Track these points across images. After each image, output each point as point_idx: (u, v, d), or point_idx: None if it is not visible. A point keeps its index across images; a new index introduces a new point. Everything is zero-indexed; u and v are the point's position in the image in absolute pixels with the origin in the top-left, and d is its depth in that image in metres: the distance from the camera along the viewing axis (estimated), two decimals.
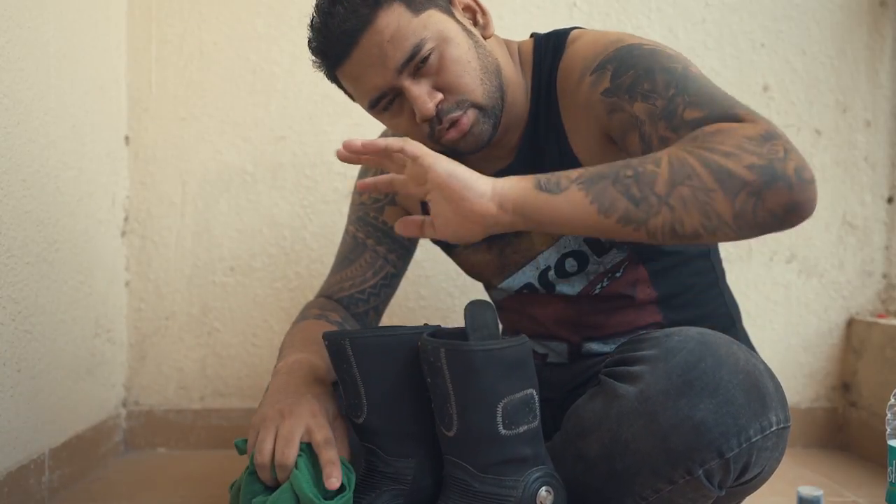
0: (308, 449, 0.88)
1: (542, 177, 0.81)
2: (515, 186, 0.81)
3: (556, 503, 0.86)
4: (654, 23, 1.69)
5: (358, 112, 1.65)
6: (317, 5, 0.99)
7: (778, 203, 0.72)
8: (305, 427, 0.88)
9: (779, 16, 1.69)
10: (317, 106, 1.68)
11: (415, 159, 0.84)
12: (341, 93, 1.49)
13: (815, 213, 1.72)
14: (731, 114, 0.80)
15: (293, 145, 1.68)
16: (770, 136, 0.74)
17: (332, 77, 1.03)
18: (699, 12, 1.69)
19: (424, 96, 0.95)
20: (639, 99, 0.88)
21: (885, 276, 1.70)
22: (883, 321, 1.59)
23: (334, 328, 1.10)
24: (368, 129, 1.58)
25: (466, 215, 0.82)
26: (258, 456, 0.88)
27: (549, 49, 1.04)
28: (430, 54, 0.95)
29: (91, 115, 1.50)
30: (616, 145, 0.95)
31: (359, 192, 1.24)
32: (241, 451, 0.93)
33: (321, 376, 0.97)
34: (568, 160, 1.01)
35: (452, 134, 0.98)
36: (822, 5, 1.69)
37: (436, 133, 0.98)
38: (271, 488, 0.88)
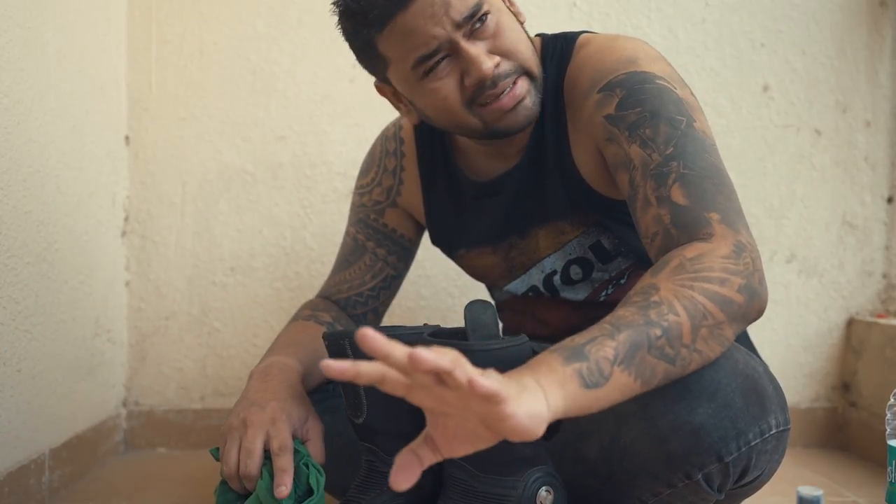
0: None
1: (584, 368, 0.69)
2: (562, 394, 0.67)
3: (557, 503, 0.86)
4: (653, 23, 1.68)
5: (358, 112, 1.66)
6: None
7: (754, 313, 0.82)
8: (266, 435, 0.90)
9: (779, 16, 1.69)
10: (317, 106, 1.67)
11: (490, 399, 0.58)
12: (341, 93, 1.47)
13: (815, 213, 1.73)
14: (705, 219, 0.83)
15: (293, 145, 1.68)
16: (740, 249, 0.81)
17: (369, 37, 0.95)
18: (699, 12, 1.69)
19: (483, 56, 0.92)
20: (637, 142, 0.90)
21: (885, 276, 1.70)
22: (883, 321, 1.59)
23: (322, 329, 1.10)
24: (369, 129, 1.58)
25: (506, 436, 0.64)
26: (224, 468, 0.90)
27: (556, 52, 1.03)
28: (488, 15, 0.93)
29: (91, 115, 1.50)
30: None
31: (359, 193, 1.24)
32: (217, 459, 0.95)
33: (292, 380, 0.98)
34: (569, 173, 1.02)
35: (506, 101, 0.95)
36: (822, 5, 1.69)
37: (485, 98, 0.94)
38: (244, 496, 0.91)
